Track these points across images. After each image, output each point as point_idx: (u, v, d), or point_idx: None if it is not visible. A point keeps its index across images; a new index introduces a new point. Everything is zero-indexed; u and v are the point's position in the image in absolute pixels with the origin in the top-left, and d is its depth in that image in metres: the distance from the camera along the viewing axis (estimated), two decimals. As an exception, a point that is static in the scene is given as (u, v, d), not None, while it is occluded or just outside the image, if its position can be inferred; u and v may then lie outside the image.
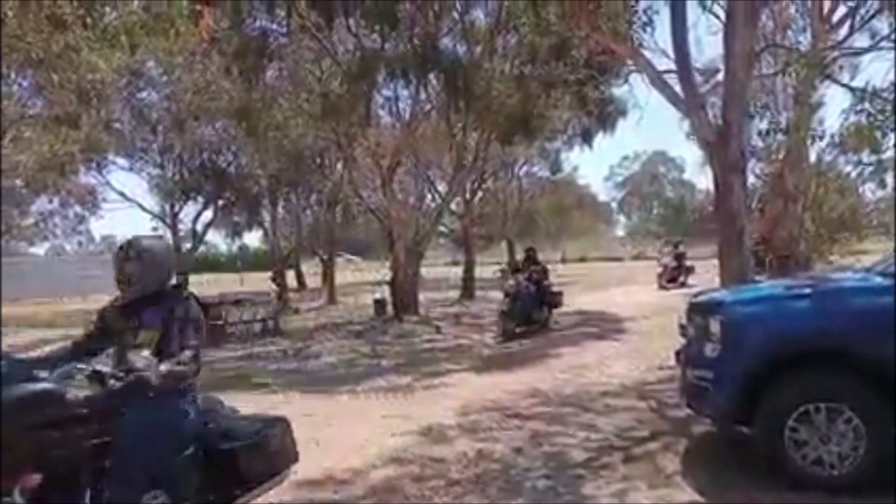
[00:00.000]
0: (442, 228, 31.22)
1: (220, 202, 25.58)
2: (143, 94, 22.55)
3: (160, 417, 3.07)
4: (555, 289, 14.33)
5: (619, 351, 10.74)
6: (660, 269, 23.24)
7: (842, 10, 13.87)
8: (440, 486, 4.86)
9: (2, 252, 25.92)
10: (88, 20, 7.78)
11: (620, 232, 75.87)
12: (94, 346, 3.42)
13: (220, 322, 14.45)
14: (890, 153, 15.42)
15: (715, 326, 4.87)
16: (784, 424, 4.44)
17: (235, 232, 31.84)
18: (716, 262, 8.80)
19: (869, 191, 22.21)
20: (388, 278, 17.95)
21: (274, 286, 23.60)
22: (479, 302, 20.92)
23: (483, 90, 15.20)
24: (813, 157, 17.28)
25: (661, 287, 21.91)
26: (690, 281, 22.30)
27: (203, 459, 3.26)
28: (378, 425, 6.63)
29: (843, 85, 11.76)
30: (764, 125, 16.56)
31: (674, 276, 22.77)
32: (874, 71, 23.85)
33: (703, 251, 28.27)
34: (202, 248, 34.85)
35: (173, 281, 3.50)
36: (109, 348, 3.39)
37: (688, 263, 23.70)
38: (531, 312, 13.08)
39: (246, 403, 7.93)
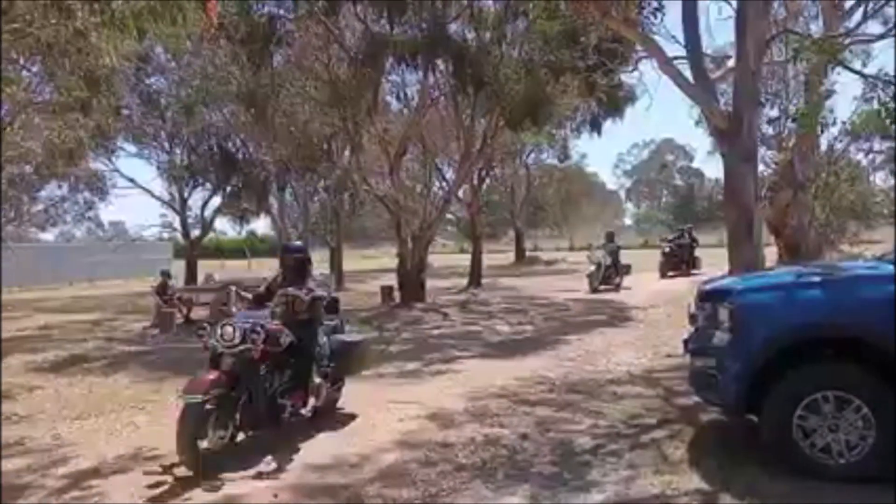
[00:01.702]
0: (449, 216, 31.23)
1: (228, 188, 25.65)
2: (152, 80, 22.60)
3: None
4: (352, 336, 6.95)
5: (626, 339, 10.73)
6: (592, 268, 19.16)
7: (854, -3, 13.72)
8: (447, 470, 4.88)
9: (7, 238, 25.96)
10: (95, 5, 7.76)
11: (629, 220, 75.65)
12: None
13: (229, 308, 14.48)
14: (901, 141, 15.32)
15: (724, 315, 4.86)
16: (793, 413, 4.44)
17: (243, 218, 31.89)
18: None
19: (880, 179, 22.07)
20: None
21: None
22: (487, 290, 20.93)
23: (492, 76, 15.13)
24: (824, 146, 17.15)
25: (594, 290, 18.45)
26: (626, 283, 19.47)
27: None
28: (386, 410, 6.66)
29: (855, 72, 11.62)
30: (774, 113, 16.46)
31: (608, 276, 19.09)
32: (887, 58, 23.64)
33: (711, 239, 28.25)
34: (210, 235, 34.97)
35: None
36: None
37: (623, 262, 19.95)
38: (281, 393, 5.72)
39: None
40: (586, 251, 22.09)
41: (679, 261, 22.80)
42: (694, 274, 21.16)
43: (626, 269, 19.81)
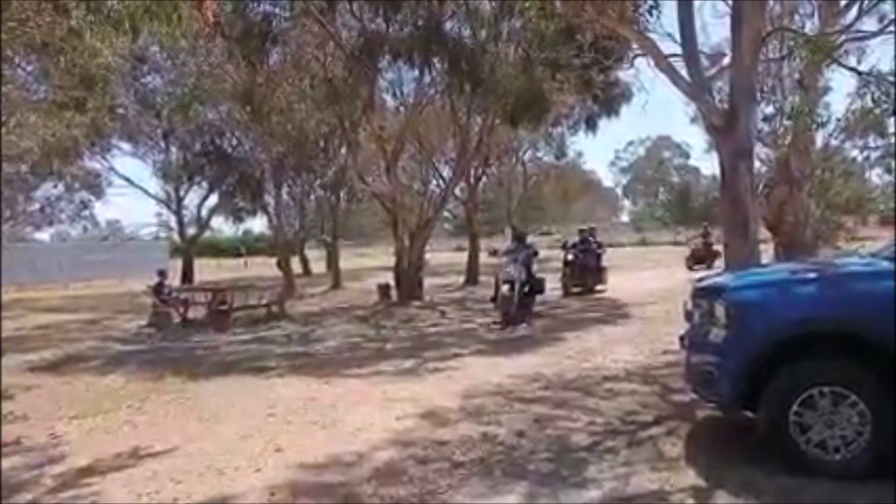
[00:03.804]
0: (446, 214, 31.23)
1: (224, 187, 25.64)
2: (148, 79, 22.58)
3: None
4: None
5: (623, 336, 10.74)
6: (504, 289, 12.34)
7: (849, -6, 13.73)
8: (444, 468, 4.88)
9: (5, 237, 25.91)
10: (90, 4, 7.74)
11: (626, 218, 75.77)
12: None
13: (226, 307, 14.49)
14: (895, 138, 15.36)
15: (720, 311, 4.86)
16: (789, 409, 4.44)
17: (239, 217, 31.94)
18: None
19: (875, 176, 22.16)
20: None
21: (280, 271, 23.68)
22: (484, 287, 20.93)
23: (487, 73, 15.14)
24: (819, 143, 17.22)
25: (507, 323, 11.89)
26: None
27: None
28: (382, 409, 6.66)
29: (850, 69, 11.65)
30: (770, 110, 16.50)
31: (526, 297, 12.45)
32: (881, 54, 23.69)
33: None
34: (206, 233, 35.01)
35: None
36: None
37: (537, 273, 13.27)
38: None
39: (250, 387, 8.01)
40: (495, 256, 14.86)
41: (584, 269, 17.77)
42: (598, 290, 17.51)
43: (540, 287, 13.09)
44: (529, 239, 15.43)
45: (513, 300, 12.16)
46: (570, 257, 17.96)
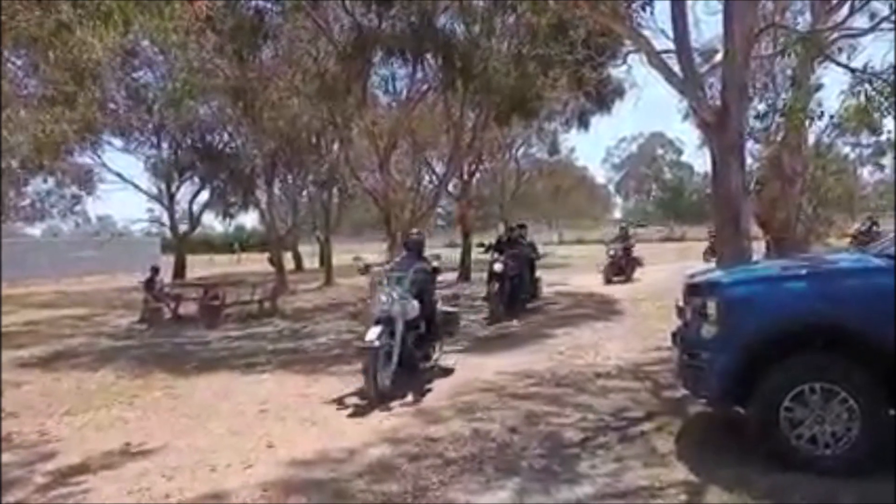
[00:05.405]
0: (439, 210, 31.24)
1: (216, 182, 25.52)
2: (139, 74, 22.45)
3: None
4: None
5: (615, 332, 10.76)
6: (373, 335, 6.92)
7: (842, -10, 13.73)
8: (436, 464, 4.88)
9: (1, 234, 25.78)
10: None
11: (618, 214, 75.89)
12: None
13: (218, 303, 14.44)
14: (887, 135, 15.41)
15: (711, 307, 4.87)
16: (780, 405, 4.46)
17: (230, 213, 31.81)
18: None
19: (867, 172, 22.24)
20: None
21: (272, 267, 23.61)
22: (476, 283, 20.90)
23: (480, 70, 15.10)
24: (811, 139, 17.24)
25: (381, 398, 6.75)
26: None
27: None
28: (372, 405, 6.64)
29: (843, 65, 11.66)
30: (762, 106, 16.50)
31: (423, 348, 8.08)
32: (873, 51, 23.73)
33: (701, 233, 28.05)
34: (198, 229, 34.86)
35: None
36: None
37: (452, 309, 9.68)
38: None
39: (240, 383, 7.98)
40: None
41: (514, 280, 13.21)
42: (530, 309, 13.54)
43: (450, 323, 9.10)
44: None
45: (391, 354, 7.15)
46: (496, 267, 13.02)
